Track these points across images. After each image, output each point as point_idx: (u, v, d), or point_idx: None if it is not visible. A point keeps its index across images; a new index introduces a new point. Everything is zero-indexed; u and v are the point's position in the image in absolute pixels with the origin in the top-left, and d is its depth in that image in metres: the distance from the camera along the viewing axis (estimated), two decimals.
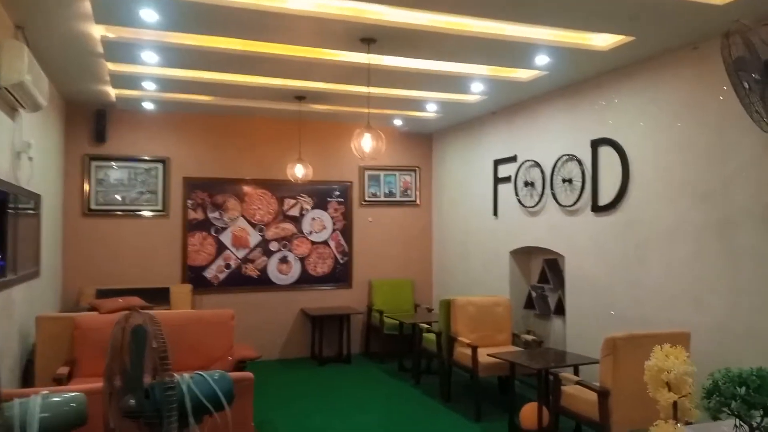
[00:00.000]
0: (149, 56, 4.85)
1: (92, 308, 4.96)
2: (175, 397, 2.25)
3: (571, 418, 4.21)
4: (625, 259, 4.99)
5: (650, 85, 4.80)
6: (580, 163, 5.49)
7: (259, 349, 7.52)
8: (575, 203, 5.53)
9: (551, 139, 5.92)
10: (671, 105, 4.62)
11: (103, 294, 6.70)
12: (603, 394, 3.82)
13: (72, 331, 4.66)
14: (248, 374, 3.02)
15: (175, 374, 2.36)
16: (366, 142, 4.31)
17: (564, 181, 5.68)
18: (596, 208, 5.30)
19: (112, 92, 6.17)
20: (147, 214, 7.14)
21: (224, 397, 2.35)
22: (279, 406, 5.60)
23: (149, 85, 5.85)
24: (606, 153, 5.23)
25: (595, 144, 5.33)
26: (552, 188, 5.84)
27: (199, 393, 2.31)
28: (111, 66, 5.26)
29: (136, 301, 5.00)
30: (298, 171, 6.41)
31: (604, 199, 5.22)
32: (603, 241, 5.23)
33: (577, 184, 5.50)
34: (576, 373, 4.76)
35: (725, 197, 4.17)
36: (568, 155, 5.66)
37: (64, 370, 4.28)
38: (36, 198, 5.19)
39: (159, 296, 6.87)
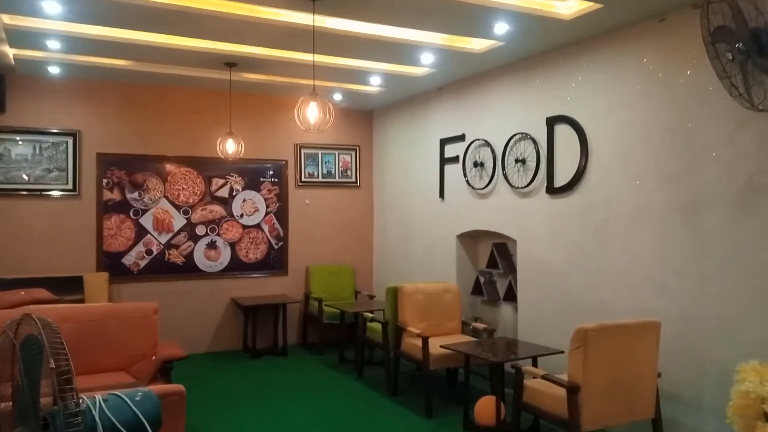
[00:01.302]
0: (52, 7, 4.11)
1: None
2: (83, 427, 1.72)
3: (533, 414, 3.92)
4: (582, 244, 4.74)
5: (612, 59, 4.53)
6: (534, 142, 5.19)
7: (187, 343, 6.87)
8: (529, 184, 5.24)
9: (504, 116, 5.59)
10: (634, 81, 4.36)
11: (4, 285, 5.88)
12: (572, 390, 3.53)
13: None
14: (178, 388, 2.46)
15: (82, 397, 1.82)
16: (312, 112, 3.79)
17: (517, 161, 5.38)
18: (552, 190, 5.02)
19: (10, 52, 5.33)
20: (55, 194, 6.33)
21: (149, 423, 1.84)
22: (207, 409, 5.05)
23: (54, 44, 5.06)
24: (563, 131, 4.95)
25: (552, 122, 5.04)
26: (504, 169, 5.53)
27: (115, 420, 1.79)
28: (6, 19, 4.48)
29: (41, 294, 4.31)
30: (229, 146, 5.78)
31: (561, 180, 4.95)
32: (559, 225, 4.97)
33: (531, 164, 5.21)
34: (534, 364, 4.48)
35: (692, 178, 3.95)
36: (521, 134, 5.35)
37: None
38: None
39: (71, 286, 6.14)
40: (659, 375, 3.81)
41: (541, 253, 5.14)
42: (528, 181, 5.24)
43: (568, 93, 4.90)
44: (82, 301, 6.07)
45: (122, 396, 1.85)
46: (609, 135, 4.55)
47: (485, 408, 4.49)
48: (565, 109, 4.92)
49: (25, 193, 6.20)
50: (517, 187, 5.38)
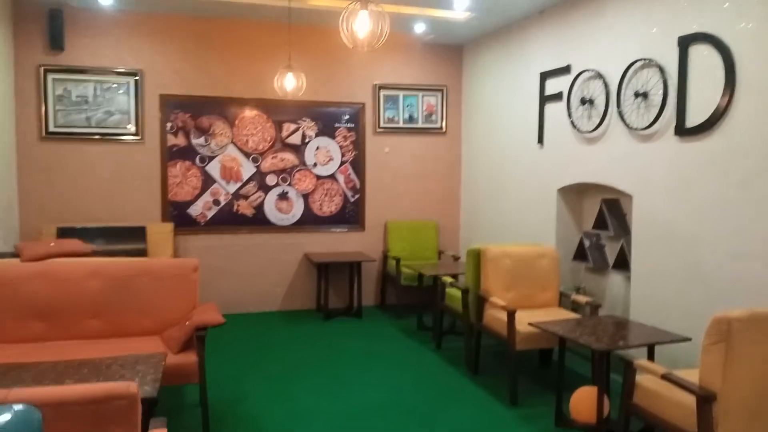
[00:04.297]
0: None
1: (15, 253, 3.87)
2: None
3: (646, 422, 2.98)
4: (722, 201, 3.62)
5: None
6: (661, 70, 4.05)
7: (257, 301, 6.47)
8: (651, 125, 4.13)
9: (621, 40, 4.46)
10: None
11: (65, 233, 5.64)
12: (705, 399, 2.57)
13: None
14: (124, 388, 1.58)
15: None
16: (362, 22, 2.90)
17: (636, 95, 4.26)
18: (682, 131, 3.90)
19: None
20: (118, 138, 5.95)
21: None
22: (265, 376, 4.51)
23: None
24: (700, 54, 3.78)
25: (685, 42, 3.88)
26: (619, 106, 4.43)
27: None
28: None
29: (73, 245, 3.88)
30: (288, 82, 5.05)
31: (695, 118, 3.81)
32: (689, 176, 3.86)
33: (656, 98, 4.09)
34: (651, 355, 3.50)
35: None
36: (644, 60, 4.22)
37: None
38: None
39: (133, 236, 5.82)
40: None
41: (665, 212, 4.06)
42: (650, 120, 4.13)
43: (709, 3, 3.71)
44: (144, 253, 5.72)
45: None
46: (767, 57, 3.36)
47: (584, 402, 3.59)
48: (705, 25, 3.74)
49: (85, 137, 5.85)
50: (636, 129, 4.28)
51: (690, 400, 2.66)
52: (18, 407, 1.27)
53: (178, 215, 6.17)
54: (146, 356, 2.94)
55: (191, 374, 3.39)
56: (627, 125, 4.36)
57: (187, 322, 3.58)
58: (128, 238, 5.77)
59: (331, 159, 6.58)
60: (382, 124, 6.70)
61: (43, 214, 5.76)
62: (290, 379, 4.47)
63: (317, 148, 6.53)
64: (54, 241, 3.84)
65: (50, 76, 5.71)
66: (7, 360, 2.98)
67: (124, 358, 2.87)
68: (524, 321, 4.05)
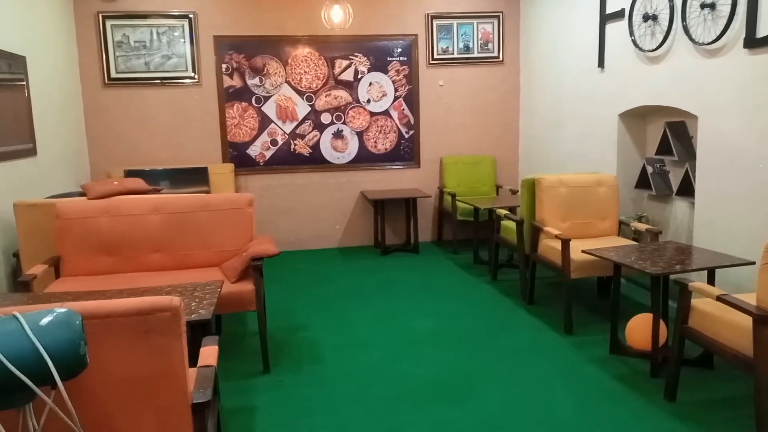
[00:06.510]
0: None
1: (83, 192, 4.08)
2: None
3: (703, 346, 2.89)
4: None
5: None
6: None
7: (316, 238, 6.63)
8: (719, 38, 3.82)
9: None
10: None
11: (131, 176, 5.90)
12: (761, 320, 2.45)
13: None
14: (167, 301, 1.64)
15: None
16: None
17: (703, 6, 3.95)
18: (752, 43, 3.60)
19: None
20: (176, 82, 6.09)
21: (60, 358, 1.26)
22: (323, 308, 4.65)
23: None
24: None
25: None
26: (684, 19, 4.13)
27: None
28: None
29: (135, 183, 4.05)
30: (335, 14, 4.98)
31: (767, 26, 3.50)
32: (760, 93, 3.58)
33: (724, 8, 3.77)
34: (711, 280, 3.37)
35: None
36: None
37: (37, 269, 3.44)
38: (19, 60, 4.22)
39: (196, 178, 6.02)
40: None
41: (732, 133, 3.81)
42: (718, 33, 3.82)
43: None
44: (207, 192, 5.92)
45: (18, 318, 1.29)
46: None
47: (640, 328, 3.53)
48: None
49: (146, 81, 6.02)
50: (702, 44, 3.98)
51: (746, 321, 2.55)
52: (59, 310, 1.36)
53: (237, 156, 6.33)
54: (203, 284, 3.07)
55: (248, 302, 3.53)
56: (692, 40, 4.06)
57: (243, 254, 3.71)
58: (191, 179, 5.98)
59: (384, 95, 6.51)
60: (435, 56, 6.54)
61: (110, 158, 6.04)
62: (347, 310, 4.60)
63: (370, 84, 6.46)
64: (117, 180, 4.03)
65: (108, 23, 5.86)
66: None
67: (183, 286, 3.02)
68: (579, 249, 3.96)
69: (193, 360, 2.26)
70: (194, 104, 6.15)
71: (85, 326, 1.66)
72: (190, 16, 5.99)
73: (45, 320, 1.30)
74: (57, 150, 5.12)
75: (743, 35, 3.65)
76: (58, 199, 3.91)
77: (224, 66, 6.16)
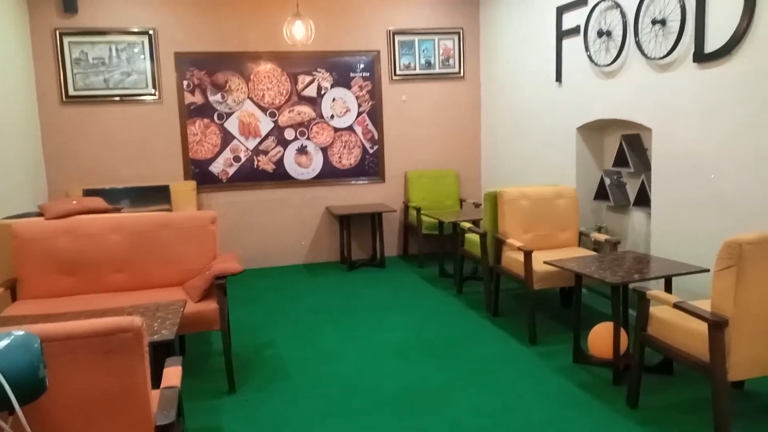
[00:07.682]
0: None
1: (40, 212, 3.99)
2: None
3: (662, 353, 2.97)
4: (744, 128, 3.50)
5: None
6: None
7: (282, 255, 6.58)
8: (670, 53, 3.97)
9: None
10: None
11: (91, 194, 5.78)
12: (717, 325, 2.53)
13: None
14: (128, 322, 1.62)
15: None
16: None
17: (654, 22, 4.10)
18: (701, 57, 3.75)
19: None
20: (136, 99, 6.01)
21: (17, 381, 1.23)
22: (290, 323, 4.62)
23: None
24: None
25: None
26: (637, 35, 4.27)
27: None
28: None
29: (94, 203, 3.98)
30: (297, 30, 5.01)
31: (715, 42, 3.65)
32: (710, 104, 3.73)
33: (674, 24, 3.92)
34: (669, 288, 3.46)
35: None
36: None
37: None
38: None
39: (157, 196, 5.93)
40: None
41: (685, 144, 3.95)
42: (669, 48, 3.97)
43: None
44: (169, 211, 5.84)
45: None
46: None
47: (601, 338, 3.60)
48: None
49: (105, 99, 5.93)
50: (654, 58, 4.13)
51: (703, 327, 2.64)
52: (17, 333, 1.33)
53: (200, 173, 6.26)
54: (166, 304, 3.03)
55: (212, 321, 3.49)
56: (645, 55, 4.20)
57: (206, 272, 3.67)
58: (152, 198, 5.89)
59: (348, 110, 6.55)
60: (398, 72, 6.62)
61: (69, 177, 5.91)
62: (314, 326, 4.57)
63: (333, 99, 6.49)
64: (76, 200, 3.94)
65: (66, 39, 5.76)
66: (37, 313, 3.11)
67: (145, 306, 2.97)
68: (541, 261, 4.03)
69: (157, 381, 2.23)
70: (155, 121, 6.08)
71: (44, 349, 1.62)
72: (150, 32, 5.94)
73: (2, 343, 1.27)
74: (12, 169, 5.00)
75: (693, 50, 3.80)
76: (15, 219, 3.81)
77: (185, 82, 6.11)
